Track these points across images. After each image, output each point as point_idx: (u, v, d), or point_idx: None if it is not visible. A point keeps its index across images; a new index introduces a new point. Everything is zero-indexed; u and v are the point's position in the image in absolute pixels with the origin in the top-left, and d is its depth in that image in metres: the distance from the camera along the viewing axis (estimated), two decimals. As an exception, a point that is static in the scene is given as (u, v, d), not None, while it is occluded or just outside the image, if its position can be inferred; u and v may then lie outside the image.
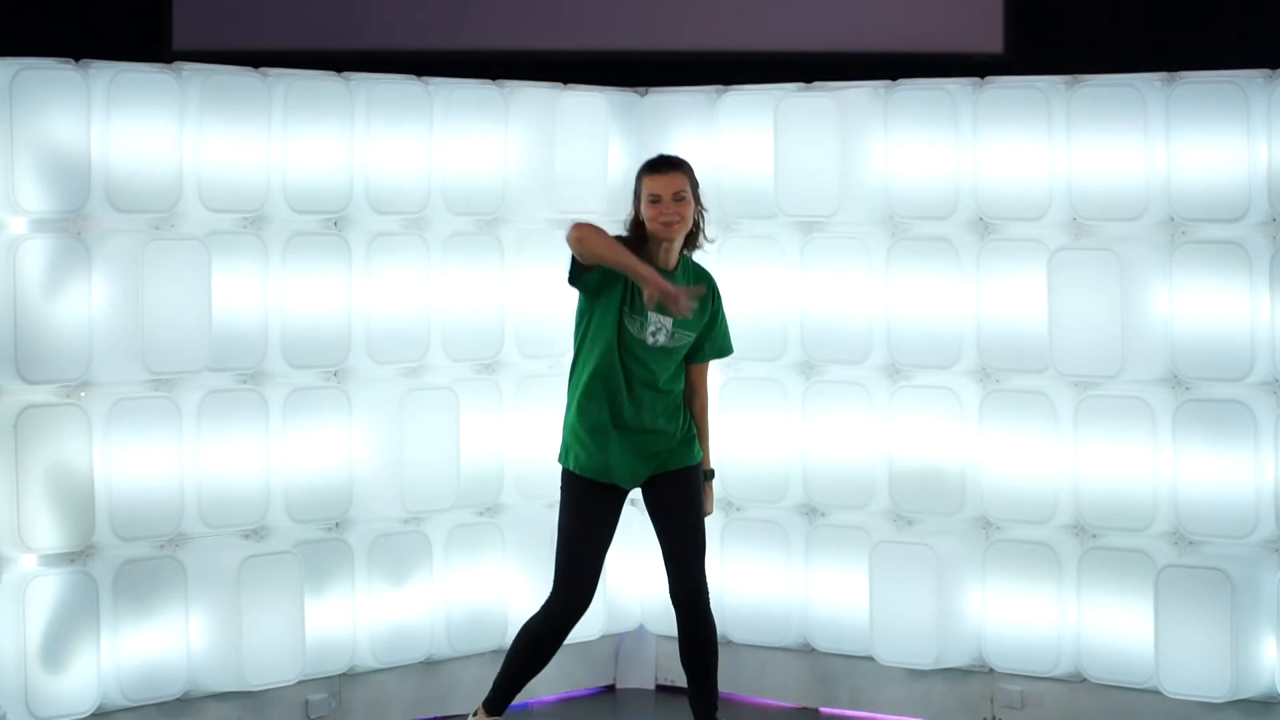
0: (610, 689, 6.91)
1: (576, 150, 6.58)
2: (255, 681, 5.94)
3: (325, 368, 6.21)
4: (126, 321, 5.72)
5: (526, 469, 6.54)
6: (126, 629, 5.79)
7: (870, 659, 6.43)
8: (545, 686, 6.64)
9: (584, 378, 5.61)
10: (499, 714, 5.75)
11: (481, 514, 6.54)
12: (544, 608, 5.70)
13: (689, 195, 5.63)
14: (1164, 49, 7.03)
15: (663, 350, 5.62)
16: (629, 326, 5.58)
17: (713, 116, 6.70)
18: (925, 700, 6.41)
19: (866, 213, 6.44)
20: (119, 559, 5.79)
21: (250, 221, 6.06)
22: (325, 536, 6.22)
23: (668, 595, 5.76)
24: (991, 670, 6.34)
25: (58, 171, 5.65)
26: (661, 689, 6.89)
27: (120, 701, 5.80)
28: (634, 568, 6.73)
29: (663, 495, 5.70)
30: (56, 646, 5.63)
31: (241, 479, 6.00)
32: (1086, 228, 6.13)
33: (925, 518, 6.38)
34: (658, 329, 5.60)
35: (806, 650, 6.63)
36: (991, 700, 6.35)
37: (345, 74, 6.24)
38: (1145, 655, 6.01)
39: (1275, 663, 5.88)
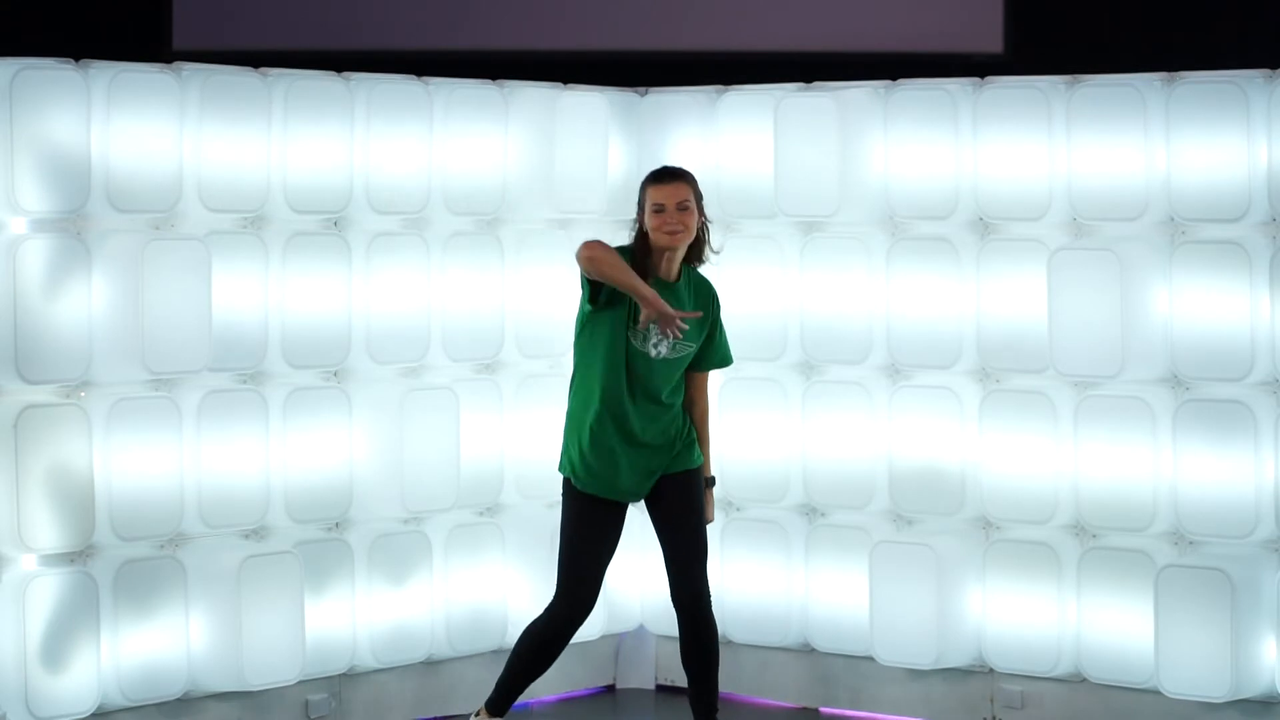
0: (610, 689, 6.91)
1: (576, 150, 6.58)
2: (255, 681, 5.94)
3: (325, 368, 6.21)
4: (126, 321, 5.72)
5: (526, 469, 6.54)
6: (126, 629, 5.79)
7: (870, 659, 6.43)
8: (545, 686, 6.64)
9: (593, 397, 5.61)
10: (501, 715, 5.75)
11: (481, 514, 6.54)
12: (547, 611, 5.71)
13: (693, 205, 5.65)
14: (1164, 49, 7.02)
15: (665, 362, 5.63)
16: (632, 340, 5.59)
17: (713, 116, 6.70)
18: (925, 700, 6.41)
19: (866, 213, 6.44)
20: (119, 559, 5.79)
21: (250, 221, 6.06)
22: (325, 536, 6.22)
23: (668, 596, 5.76)
24: (991, 670, 6.34)
25: (58, 171, 5.65)
26: (661, 689, 6.89)
27: (120, 701, 5.80)
28: (634, 568, 6.72)
29: (665, 499, 5.71)
30: (56, 646, 5.63)
31: (241, 479, 6.00)
32: (1086, 228, 6.13)
33: (925, 518, 6.38)
34: (659, 340, 5.61)
35: (806, 650, 6.63)
36: (991, 700, 6.35)
37: (345, 74, 6.24)
38: (1145, 655, 6.01)
39: (1275, 663, 5.88)
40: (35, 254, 5.60)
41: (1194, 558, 5.95)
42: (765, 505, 6.63)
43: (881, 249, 6.41)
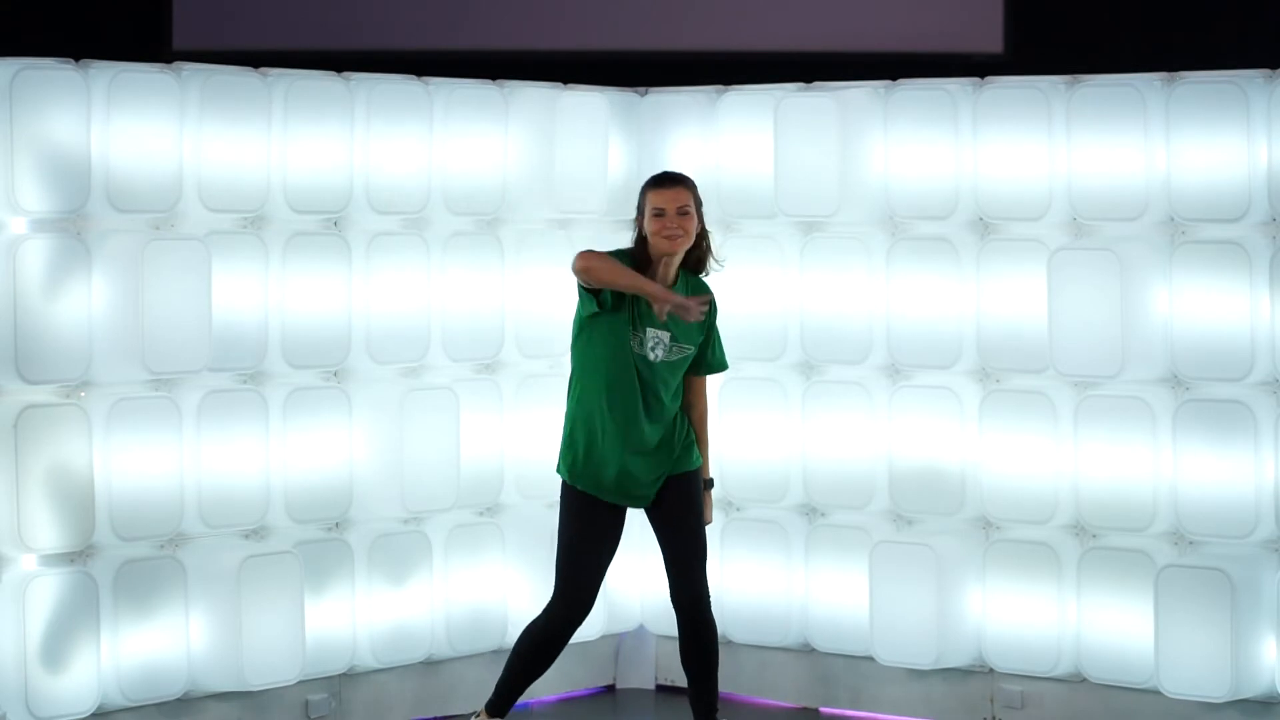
0: (610, 689, 6.91)
1: (576, 150, 6.57)
2: (255, 681, 5.94)
3: (325, 368, 6.21)
4: (126, 321, 5.72)
5: (526, 469, 6.54)
6: (126, 629, 5.79)
7: (870, 659, 6.42)
8: (545, 686, 6.63)
9: (594, 400, 5.61)
10: (501, 716, 5.75)
11: (481, 514, 6.54)
12: (545, 612, 5.71)
13: (692, 210, 5.65)
14: (1164, 49, 7.02)
15: (665, 365, 5.64)
16: (631, 344, 5.59)
17: (713, 116, 6.70)
18: (925, 700, 6.41)
19: (866, 213, 6.44)
20: (119, 559, 5.79)
21: (250, 221, 6.06)
22: (325, 536, 6.22)
23: (668, 597, 5.76)
24: (991, 670, 6.33)
25: (58, 171, 5.65)
26: (661, 689, 6.89)
27: (120, 701, 5.80)
28: (634, 568, 6.72)
29: (665, 501, 5.71)
30: (56, 646, 5.63)
31: (241, 479, 6.00)
32: (1086, 228, 6.12)
33: (925, 518, 6.38)
34: (655, 343, 5.62)
35: (806, 650, 6.63)
36: (991, 700, 6.35)
37: (345, 74, 6.24)
38: (1145, 655, 6.01)
39: (1275, 663, 5.88)
40: (35, 254, 5.60)
41: (1194, 558, 5.94)
42: (765, 505, 6.63)
43: (881, 249, 6.41)
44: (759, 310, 6.58)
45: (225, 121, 5.95)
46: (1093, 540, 6.14)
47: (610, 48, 7.74)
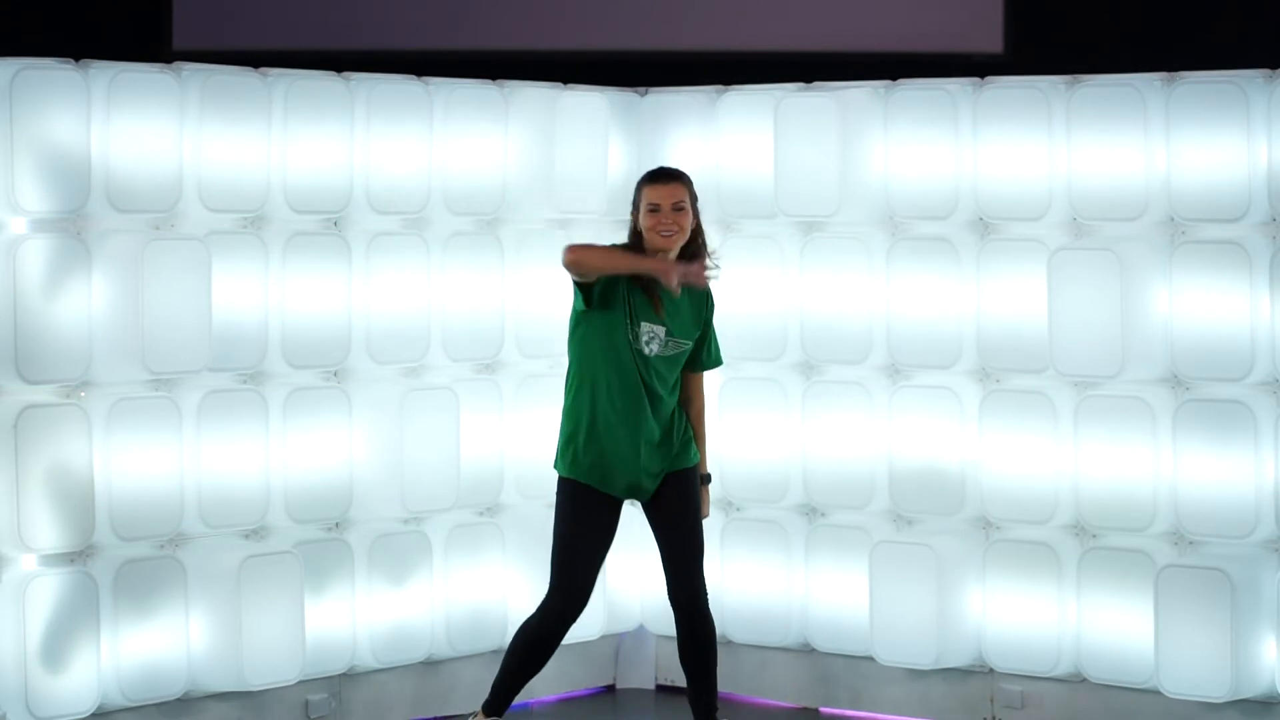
0: (610, 689, 6.92)
1: (576, 150, 6.58)
2: (255, 681, 5.94)
3: (325, 368, 6.21)
4: (126, 321, 5.72)
5: (526, 469, 6.54)
6: (126, 629, 5.79)
7: (870, 659, 6.42)
8: (545, 686, 6.64)
9: (593, 394, 5.62)
10: (499, 715, 5.75)
11: (481, 514, 6.54)
12: (540, 608, 5.71)
13: (688, 206, 5.65)
14: (1164, 49, 7.02)
15: (661, 359, 5.64)
16: (629, 339, 5.59)
17: (713, 116, 6.70)
18: (925, 700, 6.41)
19: (866, 213, 6.44)
20: (119, 559, 5.79)
21: (250, 221, 6.06)
22: (325, 536, 6.22)
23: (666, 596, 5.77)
24: (991, 670, 6.34)
25: (58, 171, 5.65)
26: (661, 689, 6.89)
27: (120, 701, 5.80)
28: (634, 568, 6.73)
29: (662, 498, 5.71)
30: (56, 646, 5.63)
31: (241, 479, 6.00)
32: (1086, 228, 6.12)
33: (925, 518, 6.38)
34: (651, 338, 5.62)
35: (806, 650, 6.63)
36: (991, 700, 6.35)
37: (345, 74, 6.24)
38: (1145, 655, 6.01)
39: (1275, 663, 5.88)
40: (35, 254, 5.60)
41: (1194, 558, 5.95)
42: (765, 505, 6.63)
43: (881, 249, 6.41)
44: (759, 310, 6.58)
45: (225, 121, 5.95)
46: (1093, 540, 6.14)
47: (610, 48, 7.74)
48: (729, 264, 6.55)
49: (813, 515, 6.59)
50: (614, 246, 5.65)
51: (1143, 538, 6.06)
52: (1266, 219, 5.88)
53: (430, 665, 6.45)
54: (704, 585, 5.74)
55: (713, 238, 6.55)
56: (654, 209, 5.63)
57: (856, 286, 6.45)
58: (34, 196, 5.61)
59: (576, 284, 5.59)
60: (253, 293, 6.02)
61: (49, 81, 5.63)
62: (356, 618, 6.26)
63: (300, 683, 6.09)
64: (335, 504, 6.22)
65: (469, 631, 6.46)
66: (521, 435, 6.54)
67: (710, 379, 6.52)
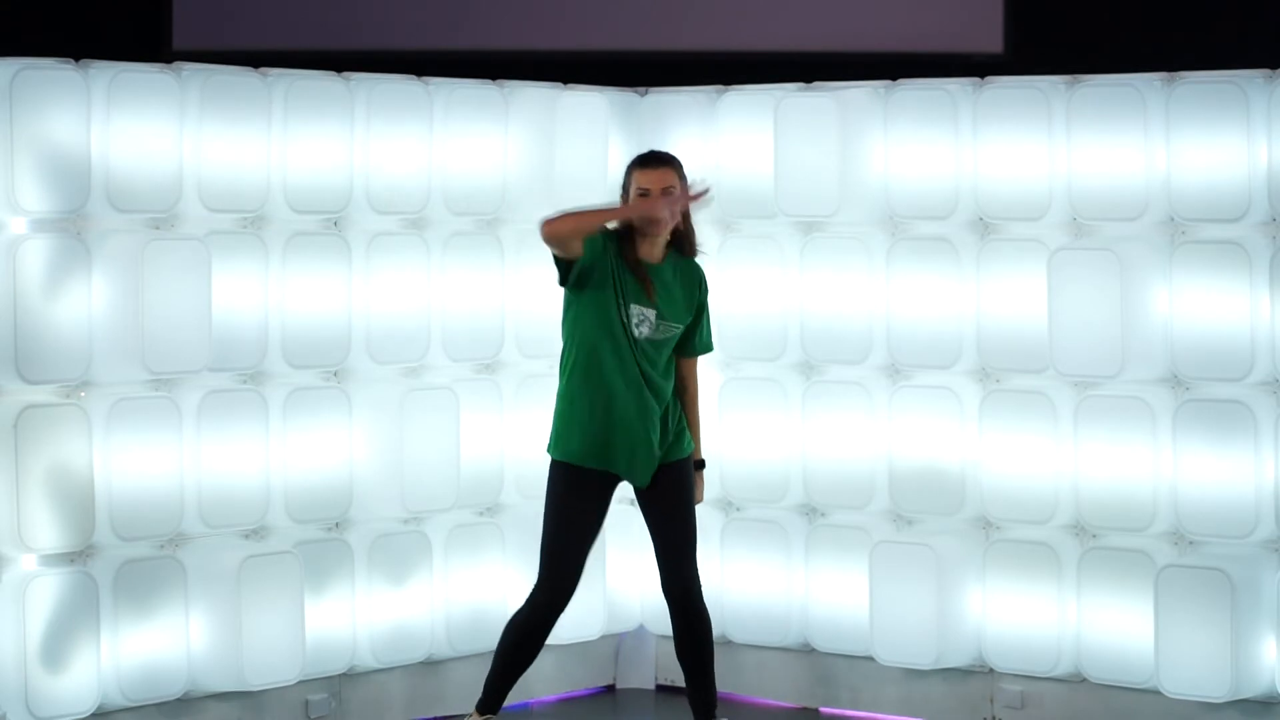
0: (610, 689, 6.91)
1: (576, 150, 6.58)
2: (255, 681, 5.94)
3: (325, 368, 6.21)
4: (126, 321, 5.72)
5: (526, 469, 6.53)
6: (126, 629, 5.79)
7: (870, 659, 6.42)
8: (545, 686, 6.64)
9: (586, 374, 5.62)
10: (493, 713, 5.75)
11: (481, 514, 6.54)
12: (529, 601, 5.71)
13: (677, 191, 5.65)
14: (1164, 49, 7.02)
15: (650, 343, 5.63)
16: (619, 319, 5.59)
17: (713, 116, 6.70)
18: (925, 700, 6.41)
19: (866, 213, 6.44)
20: (119, 559, 5.79)
21: (250, 221, 6.06)
22: (325, 536, 6.22)
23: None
24: (991, 670, 6.33)
25: (58, 171, 5.65)
26: (661, 689, 6.89)
27: (120, 701, 5.80)
28: (634, 568, 6.73)
29: (656, 490, 5.71)
30: (56, 646, 5.63)
31: (241, 479, 6.00)
32: (1086, 228, 6.12)
33: (925, 518, 6.38)
34: (641, 320, 5.62)
35: (806, 650, 6.63)
36: (991, 700, 6.35)
37: (345, 74, 6.24)
38: (1145, 655, 6.01)
39: (1275, 663, 5.88)
40: (35, 254, 5.60)
41: (1194, 558, 5.94)
42: (765, 505, 6.63)
43: (881, 249, 6.41)
44: (759, 310, 6.58)
45: (225, 121, 5.95)
46: (1093, 540, 6.14)
47: (610, 48, 7.74)
48: (729, 264, 6.58)
49: (813, 515, 6.59)
50: (609, 232, 5.65)
51: (1143, 538, 6.06)
52: (1266, 219, 5.88)
53: (430, 665, 6.45)
54: (697, 577, 5.74)
55: (713, 238, 6.58)
56: (644, 194, 5.64)
57: (856, 286, 6.45)
58: (34, 196, 5.61)
59: (555, 259, 5.59)
60: (253, 293, 6.02)
61: (49, 81, 5.63)
62: (356, 618, 6.26)
63: (300, 683, 6.09)
64: (335, 504, 6.22)
65: (469, 631, 6.46)
66: (521, 435, 6.54)
67: (710, 379, 6.53)
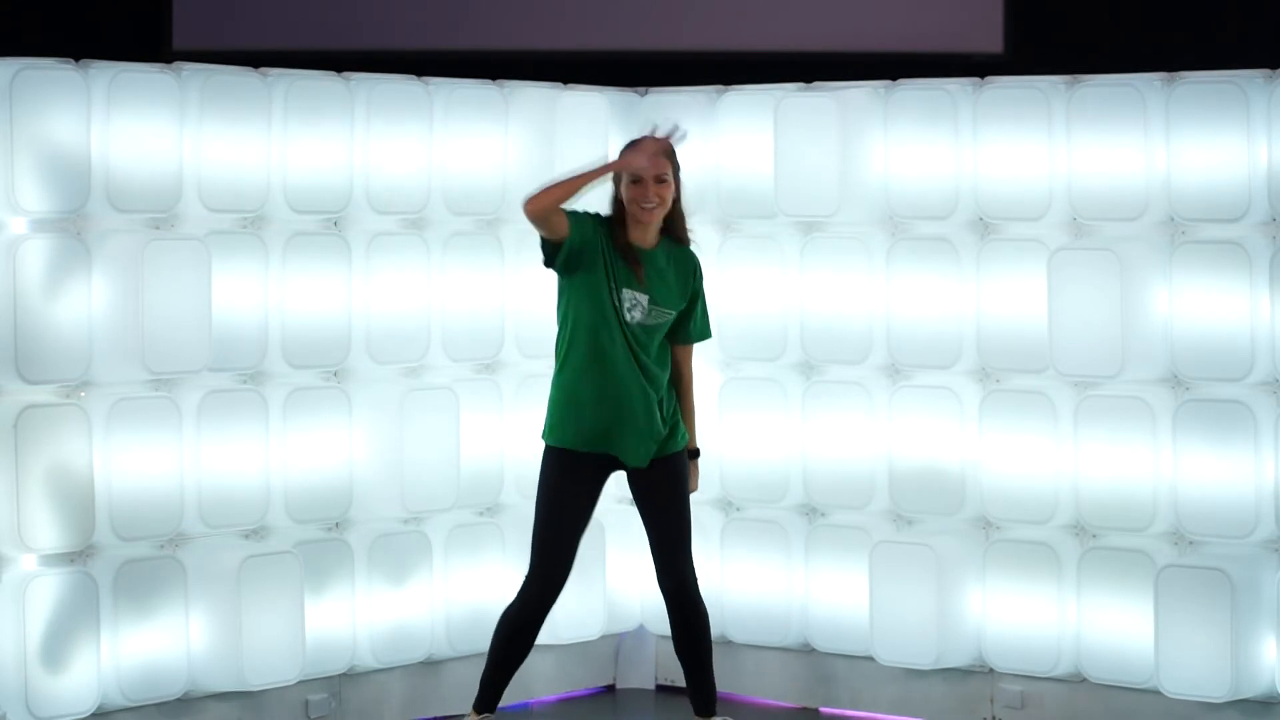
0: (610, 689, 6.91)
1: (576, 150, 6.57)
2: (255, 681, 5.94)
3: (325, 368, 6.21)
4: (126, 321, 5.72)
5: (526, 469, 6.52)
6: (126, 629, 5.79)
7: (870, 659, 6.42)
8: (545, 686, 6.65)
9: (579, 351, 5.63)
10: (490, 711, 5.75)
11: (481, 514, 6.54)
12: (519, 594, 5.72)
13: (670, 178, 5.67)
14: (1164, 49, 7.02)
15: (642, 328, 5.64)
16: (611, 302, 5.60)
17: (713, 116, 6.70)
18: (925, 700, 6.41)
19: (866, 213, 6.44)
20: (119, 559, 5.79)
21: (250, 221, 6.06)
22: (325, 536, 6.22)
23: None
24: (991, 670, 6.33)
25: (58, 171, 5.65)
26: (661, 689, 6.89)
27: (120, 701, 5.80)
28: (634, 568, 6.72)
29: (650, 484, 5.71)
30: (56, 646, 5.63)
31: (241, 479, 6.00)
32: (1086, 228, 6.12)
33: (925, 518, 6.38)
34: (633, 305, 5.63)
35: (806, 650, 6.63)
36: (991, 700, 6.35)
37: (345, 74, 6.24)
38: (1145, 655, 6.00)
39: (1275, 663, 5.88)
40: (35, 254, 5.60)
41: (1194, 558, 5.94)
42: (765, 505, 6.63)
43: (881, 249, 6.41)
44: (759, 310, 6.58)
45: (225, 121, 5.95)
46: (1093, 540, 6.14)
47: (610, 48, 7.74)
48: (729, 264, 6.58)
49: (813, 515, 6.59)
50: (597, 215, 5.66)
51: (1143, 538, 6.06)
52: (1266, 219, 5.88)
53: (430, 665, 6.45)
54: (693, 571, 5.75)
55: (713, 237, 6.58)
56: (636, 180, 5.65)
57: (856, 286, 6.45)
58: (34, 196, 5.61)
59: (542, 242, 5.60)
60: (253, 293, 6.02)
61: (49, 81, 5.63)
62: (356, 618, 6.26)
63: (300, 683, 6.09)
64: (335, 504, 6.22)
65: (469, 631, 6.46)
66: (521, 435, 6.54)
67: (710, 379, 6.54)
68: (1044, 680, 6.25)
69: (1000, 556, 6.27)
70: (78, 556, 5.71)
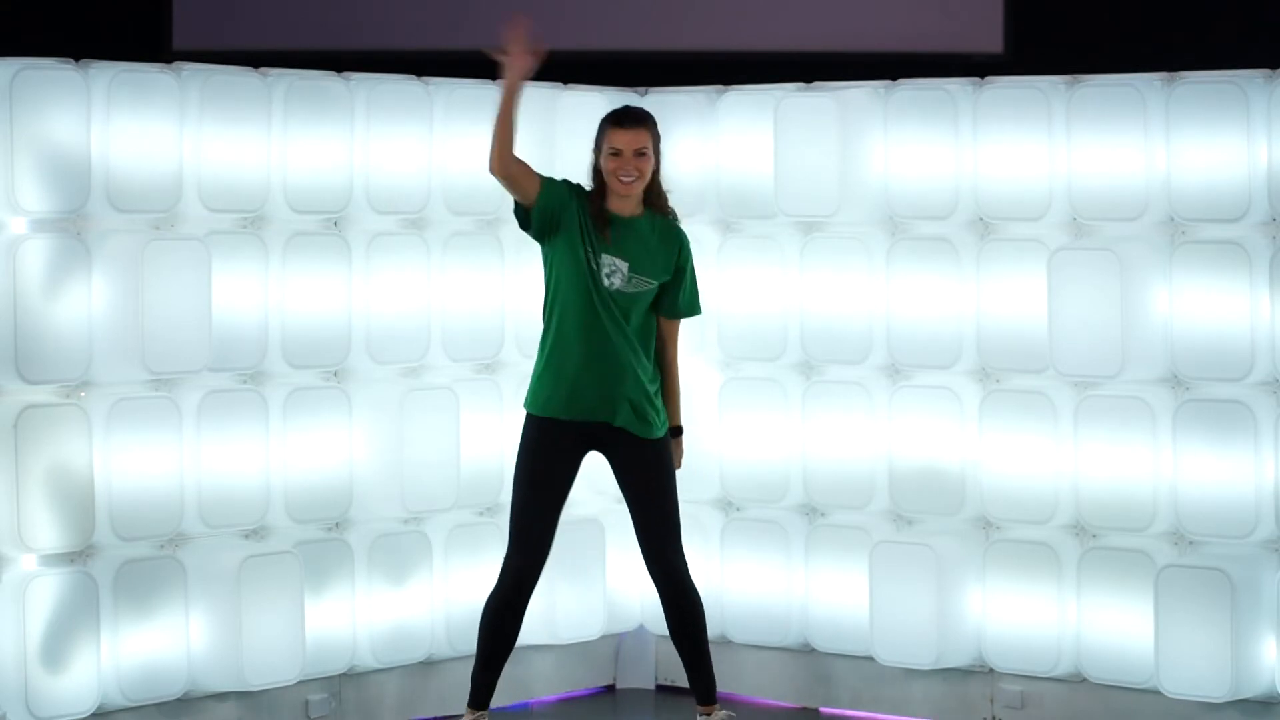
0: (610, 689, 6.91)
1: (576, 150, 6.56)
2: (255, 681, 5.94)
3: (325, 368, 6.21)
4: (126, 321, 5.71)
5: (526, 469, 6.53)
6: (126, 629, 5.79)
7: (870, 659, 6.42)
8: (545, 686, 6.64)
9: (556, 315, 5.68)
10: (484, 708, 5.76)
11: (481, 514, 6.54)
12: (498, 581, 5.75)
13: (650, 151, 5.70)
14: (1164, 49, 7.02)
15: (621, 294, 5.64)
16: (589, 265, 5.62)
17: (713, 116, 6.69)
18: (925, 700, 6.41)
19: (866, 213, 6.44)
20: (119, 559, 5.79)
21: (250, 221, 6.06)
22: (325, 536, 6.22)
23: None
24: (991, 670, 6.33)
25: (58, 171, 5.65)
26: (661, 689, 6.89)
27: (120, 701, 5.80)
28: (634, 568, 6.71)
29: (636, 470, 5.72)
30: (56, 646, 5.63)
31: (241, 479, 6.00)
32: (1086, 228, 6.12)
33: (925, 518, 6.38)
34: (612, 271, 5.65)
35: (806, 650, 6.62)
36: (991, 700, 6.35)
37: (345, 74, 6.24)
38: (1145, 655, 6.00)
39: (1275, 663, 5.88)
40: (35, 254, 5.60)
41: (1194, 558, 5.94)
42: (765, 505, 6.63)
43: (881, 249, 6.41)
44: (759, 310, 6.58)
45: (225, 121, 5.95)
46: (1093, 540, 6.14)
47: (610, 48, 7.74)
48: (729, 264, 6.58)
49: (813, 515, 6.59)
50: (578, 186, 5.73)
51: (1143, 538, 6.06)
52: (1266, 219, 5.87)
53: (430, 665, 6.45)
54: (682, 554, 5.75)
55: (713, 237, 6.58)
56: (615, 153, 5.67)
57: (856, 286, 6.45)
58: (34, 196, 5.61)
59: (515, 206, 5.65)
60: (253, 293, 6.02)
61: (49, 81, 5.63)
62: (356, 618, 6.26)
63: (300, 683, 6.09)
64: (335, 504, 6.22)
65: (469, 631, 6.43)
66: (521, 435, 6.54)
67: (710, 379, 6.54)
68: (1044, 680, 6.25)
69: (1000, 556, 6.27)
70: (78, 556, 5.71)
